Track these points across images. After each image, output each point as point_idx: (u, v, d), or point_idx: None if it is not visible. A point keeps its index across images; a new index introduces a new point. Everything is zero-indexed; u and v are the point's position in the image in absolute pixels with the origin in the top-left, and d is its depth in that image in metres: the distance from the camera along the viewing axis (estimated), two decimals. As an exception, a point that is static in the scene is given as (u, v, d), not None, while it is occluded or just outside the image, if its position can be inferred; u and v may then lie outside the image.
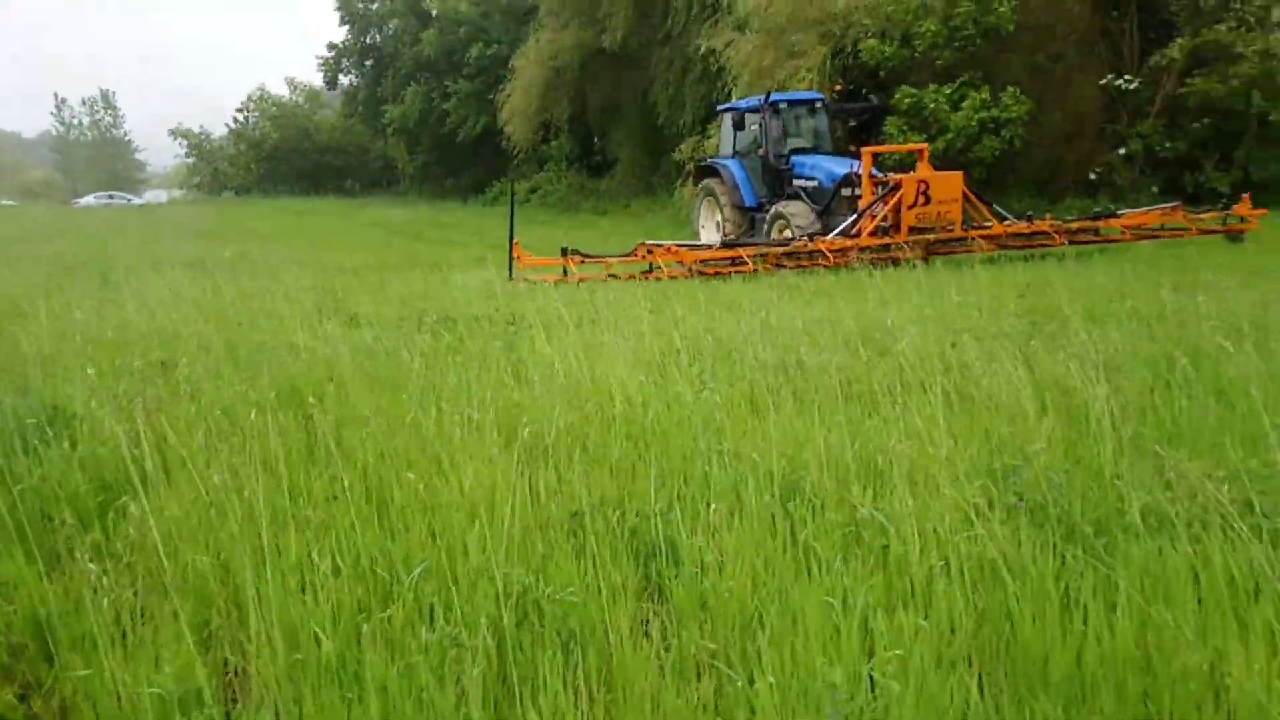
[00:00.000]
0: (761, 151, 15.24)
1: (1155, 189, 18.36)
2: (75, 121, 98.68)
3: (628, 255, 12.74)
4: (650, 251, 12.51)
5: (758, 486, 3.43)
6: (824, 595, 2.56)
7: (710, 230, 16.37)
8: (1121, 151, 18.77)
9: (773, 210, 14.46)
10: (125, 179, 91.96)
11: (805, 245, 12.16)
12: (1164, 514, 3.02)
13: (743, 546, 2.91)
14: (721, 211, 15.93)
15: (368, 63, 46.87)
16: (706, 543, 2.98)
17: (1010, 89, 18.02)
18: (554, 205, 32.30)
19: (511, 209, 13.21)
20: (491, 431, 3.94)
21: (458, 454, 3.54)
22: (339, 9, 45.87)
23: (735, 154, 16.14)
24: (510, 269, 12.09)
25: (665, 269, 12.03)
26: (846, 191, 13.59)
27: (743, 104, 16.41)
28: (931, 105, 18.11)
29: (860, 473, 3.64)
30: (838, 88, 17.61)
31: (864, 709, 2.08)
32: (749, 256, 12.04)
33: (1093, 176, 18.78)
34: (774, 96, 15.60)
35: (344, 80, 49.32)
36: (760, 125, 15.32)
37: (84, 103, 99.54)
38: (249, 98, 61.18)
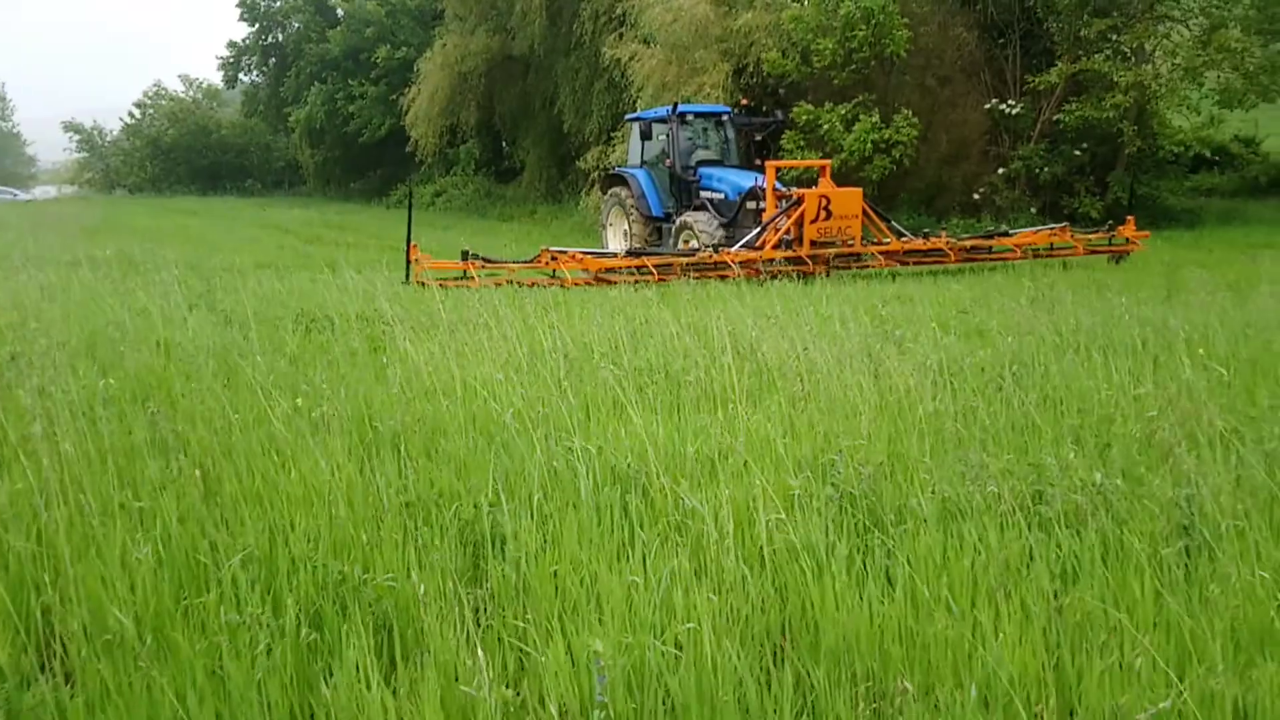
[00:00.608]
0: (669, 162, 15.34)
1: (1034, 209, 19.27)
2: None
3: (531, 261, 12.63)
4: (554, 258, 12.44)
5: (598, 480, 3.58)
6: (633, 576, 2.71)
7: (617, 238, 16.45)
8: (1002, 172, 19.65)
9: (679, 220, 14.60)
10: (13, 174, 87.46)
11: (710, 256, 12.27)
12: (960, 503, 3.28)
13: (568, 534, 3.05)
14: (629, 220, 16.01)
15: (270, 61, 45.76)
16: (537, 532, 3.11)
17: (903, 111, 18.71)
18: (460, 209, 32.07)
19: (410, 211, 13.03)
20: (342, 427, 4.00)
21: (302, 448, 3.59)
22: (240, 5, 44.68)
23: (643, 164, 16.22)
24: (407, 272, 11.95)
25: (569, 276, 11.97)
26: (751, 204, 13.77)
27: (651, 114, 16.51)
28: (826, 126, 18.68)
29: (697, 467, 3.83)
30: (744, 101, 17.82)
31: (634, 671, 2.24)
32: (653, 266, 12.08)
33: (976, 196, 19.60)
34: (682, 108, 15.70)
35: (244, 79, 48.00)
36: (668, 136, 15.41)
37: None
38: (145, 94, 59.12)
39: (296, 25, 44.32)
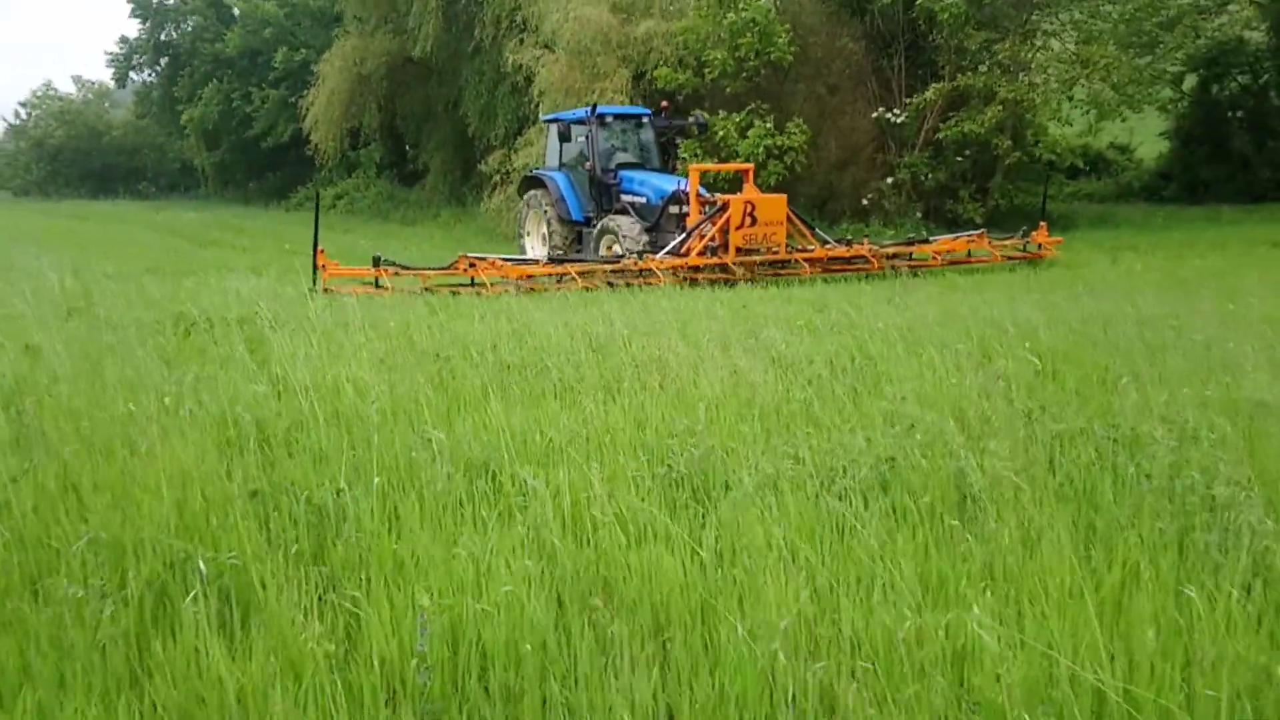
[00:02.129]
0: (589, 165, 14.84)
1: (919, 215, 20.15)
2: None
3: (448, 268, 12.18)
4: (473, 265, 12.04)
5: (449, 467, 3.83)
6: (463, 550, 2.98)
7: (536, 243, 16.06)
8: (890, 180, 20.46)
9: (601, 225, 14.22)
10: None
11: (635, 263, 11.97)
12: (777, 478, 3.63)
13: (410, 516, 3.30)
14: (548, 225, 15.58)
15: (163, 60, 44.46)
16: (382, 515, 3.35)
17: (795, 119, 19.37)
18: (362, 213, 31.75)
19: (316, 216, 12.69)
20: (208, 422, 4.17)
21: (163, 442, 3.75)
22: (131, 1, 43.31)
23: (562, 166, 15.82)
24: (314, 279, 11.60)
25: (489, 285, 11.55)
26: (674, 209, 13.55)
27: (569, 115, 16.04)
28: (721, 132, 19.20)
29: (547, 453, 4.11)
30: (664, 104, 17.14)
31: (453, 627, 2.52)
32: (577, 274, 11.76)
33: (865, 202, 20.37)
34: (601, 109, 15.28)
35: (136, 78, 46.54)
36: (587, 138, 14.89)
37: None
38: (33, 94, 56.95)
39: (190, 24, 43.17)
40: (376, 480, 3.46)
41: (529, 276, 11.95)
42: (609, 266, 12.05)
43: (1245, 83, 25.47)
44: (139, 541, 2.93)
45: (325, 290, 10.94)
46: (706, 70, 19.54)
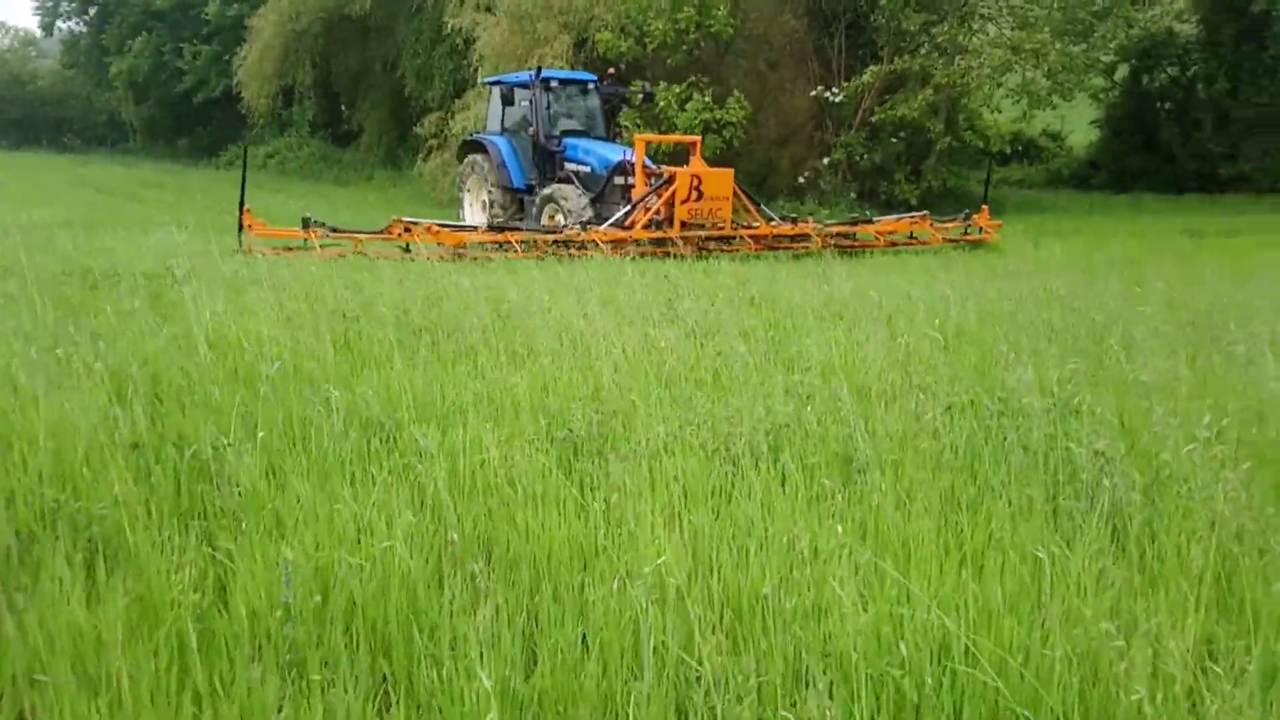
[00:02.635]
0: (532, 131, 14.35)
1: (853, 195, 20.37)
2: None
3: (381, 232, 11.85)
4: (408, 229, 11.69)
5: (345, 426, 3.80)
6: (346, 505, 2.97)
7: (475, 210, 15.67)
8: (826, 161, 20.61)
9: (544, 193, 13.86)
10: None
11: (579, 235, 11.65)
12: (674, 442, 3.68)
13: (296, 473, 3.28)
14: (488, 191, 15.17)
15: (91, 9, 42.78)
16: (267, 471, 3.32)
17: (736, 94, 19.38)
18: (294, 173, 31.03)
19: (244, 174, 12.28)
20: (100, 376, 4.07)
21: (50, 395, 3.66)
22: (57, -56, 41.64)
23: (504, 130, 15.41)
24: (239, 238, 11.30)
25: (424, 250, 11.06)
26: (620, 179, 13.19)
27: (513, 78, 15.63)
28: (662, 103, 19.14)
29: (450, 415, 4.10)
30: (611, 71, 16.67)
31: (323, 578, 2.52)
32: (517, 243, 11.50)
33: (801, 180, 20.52)
34: (546, 73, 14.68)
35: (63, 26, 44.76)
36: (531, 102, 14.41)
37: None
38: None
39: (119, -29, 41.57)
40: (261, 435, 3.42)
41: (463, 244, 11.76)
42: (551, 236, 11.79)
43: (1174, 74, 26.12)
44: (10, 490, 2.87)
45: (249, 250, 10.69)
46: (648, 40, 19.44)
